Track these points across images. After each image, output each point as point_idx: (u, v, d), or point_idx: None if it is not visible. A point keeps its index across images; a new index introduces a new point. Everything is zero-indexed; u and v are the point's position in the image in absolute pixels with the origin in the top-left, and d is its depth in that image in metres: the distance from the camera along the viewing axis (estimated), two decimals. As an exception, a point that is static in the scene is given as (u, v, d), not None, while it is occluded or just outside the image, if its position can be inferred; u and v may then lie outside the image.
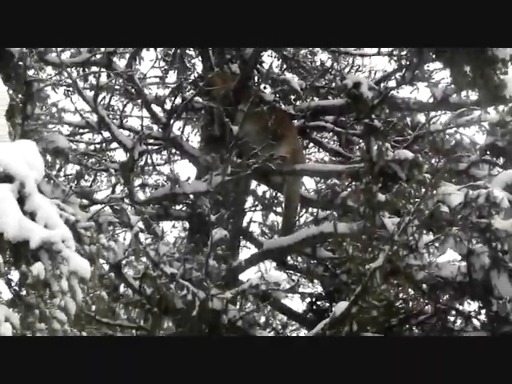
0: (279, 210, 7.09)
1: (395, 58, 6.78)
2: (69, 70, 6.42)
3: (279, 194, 7.03)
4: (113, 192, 6.45)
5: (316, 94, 7.47)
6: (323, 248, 6.73)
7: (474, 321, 5.73)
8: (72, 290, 3.13)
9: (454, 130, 6.65)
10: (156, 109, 6.82)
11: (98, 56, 6.72)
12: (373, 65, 7.82)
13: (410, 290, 6.04)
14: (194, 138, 8.33)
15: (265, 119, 6.38)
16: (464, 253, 5.32)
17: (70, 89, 7.04)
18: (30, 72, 6.14)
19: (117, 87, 7.40)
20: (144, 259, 5.80)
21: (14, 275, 3.33)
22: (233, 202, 6.57)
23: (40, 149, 4.00)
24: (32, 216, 3.22)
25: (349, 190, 6.39)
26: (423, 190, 5.25)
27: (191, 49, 7.45)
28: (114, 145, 7.57)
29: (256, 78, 7.34)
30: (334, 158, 7.73)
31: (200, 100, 7.06)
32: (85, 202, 6.36)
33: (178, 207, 6.99)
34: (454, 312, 5.86)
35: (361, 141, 7.50)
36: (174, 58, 7.52)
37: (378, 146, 5.73)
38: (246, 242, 7.09)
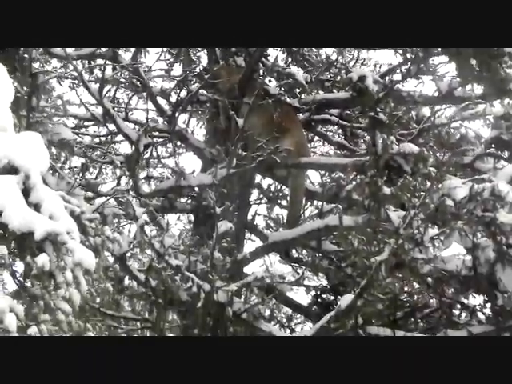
0: (284, 203, 7.08)
1: (400, 52, 6.75)
2: (74, 62, 6.41)
3: (284, 187, 7.02)
4: (118, 184, 6.47)
5: (321, 87, 7.44)
6: (328, 241, 6.72)
7: (479, 314, 5.73)
8: (77, 281, 3.14)
9: (459, 123, 6.65)
10: (161, 101, 6.84)
11: (104, 49, 6.73)
12: (378, 58, 7.81)
13: (415, 283, 6.03)
14: (199, 131, 8.35)
15: (270, 112, 6.38)
16: (469, 246, 5.31)
17: (76, 81, 7.05)
18: (36, 65, 6.15)
19: (122, 80, 7.39)
20: (149, 251, 5.81)
21: (19, 266, 3.34)
22: (238, 194, 6.57)
23: (45, 141, 4.01)
24: (37, 207, 3.22)
25: (354, 183, 6.37)
26: (428, 183, 5.23)
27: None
28: (119, 137, 7.56)
29: (261, 71, 7.33)
30: (338, 152, 7.72)
31: (205, 93, 7.05)
32: (90, 194, 6.37)
33: (183, 200, 6.99)
34: (459, 305, 5.86)
35: (366, 134, 7.49)
36: (180, 50, 7.51)
37: (383, 139, 5.72)
38: (250, 235, 7.09)
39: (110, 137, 7.71)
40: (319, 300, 7.05)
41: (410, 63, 6.64)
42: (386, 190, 5.39)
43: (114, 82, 7.06)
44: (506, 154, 6.17)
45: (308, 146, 7.32)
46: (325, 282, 7.24)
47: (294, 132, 6.67)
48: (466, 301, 5.78)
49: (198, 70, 7.12)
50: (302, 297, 7.45)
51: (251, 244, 7.10)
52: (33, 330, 3.20)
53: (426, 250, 5.23)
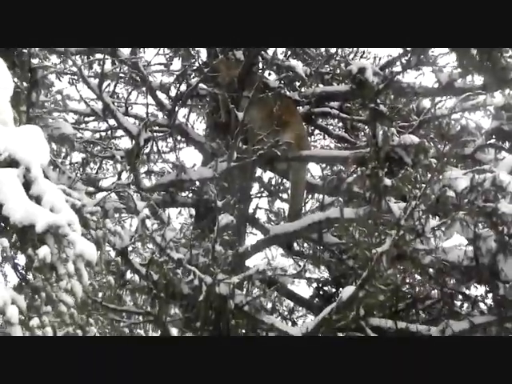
0: (285, 196, 7.08)
1: (401, 43, 6.75)
2: (73, 57, 6.41)
3: (285, 181, 7.02)
4: (119, 179, 6.46)
5: (321, 80, 7.43)
6: (329, 233, 6.72)
7: (481, 305, 5.72)
8: (78, 272, 3.14)
9: (459, 114, 6.63)
10: (161, 96, 6.83)
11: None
12: (377, 50, 7.79)
13: (416, 274, 6.04)
14: (199, 125, 8.36)
15: (270, 105, 6.37)
16: (470, 237, 5.30)
17: (75, 76, 7.04)
18: (35, 60, 6.14)
19: (121, 75, 7.40)
20: (150, 245, 5.81)
21: (21, 259, 3.34)
22: (239, 188, 6.56)
23: (45, 136, 4.00)
24: (38, 200, 3.23)
25: (354, 175, 6.37)
26: (429, 174, 5.23)
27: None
28: (120, 132, 7.59)
29: (261, 65, 7.33)
30: (339, 144, 7.72)
31: (205, 87, 7.05)
32: (91, 189, 6.37)
33: (183, 194, 6.98)
34: (460, 296, 5.86)
35: (366, 126, 7.49)
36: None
37: (384, 131, 5.71)
38: (252, 229, 7.09)
39: (110, 132, 7.72)
40: (321, 292, 7.06)
41: (409, 54, 6.63)
42: (387, 182, 5.39)
43: (113, 76, 7.06)
44: (506, 144, 6.15)
45: (308, 139, 7.32)
46: (326, 275, 7.26)
47: (294, 125, 6.67)
48: (467, 291, 5.78)
49: (197, 64, 7.12)
50: (303, 289, 7.48)
51: (252, 237, 7.11)
52: (35, 322, 3.21)
53: (427, 241, 5.23)
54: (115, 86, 7.27)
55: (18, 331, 3.02)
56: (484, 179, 5.04)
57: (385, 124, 5.99)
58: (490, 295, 5.61)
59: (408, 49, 6.64)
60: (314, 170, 7.58)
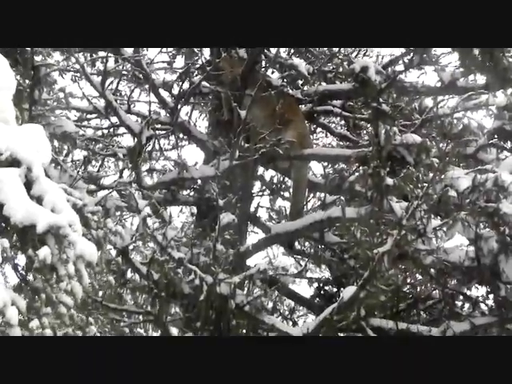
0: (287, 194, 7.08)
1: (403, 42, 6.73)
2: (76, 55, 6.40)
3: (287, 179, 7.01)
4: (120, 177, 6.46)
5: (323, 78, 7.43)
6: (331, 233, 6.72)
7: (482, 306, 5.72)
8: (79, 274, 3.14)
9: (461, 113, 6.63)
10: (164, 94, 6.82)
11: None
12: (380, 49, 7.78)
13: (417, 274, 6.04)
14: (201, 123, 8.33)
15: (272, 104, 6.36)
16: (472, 237, 5.29)
17: (78, 74, 7.02)
18: (38, 58, 6.14)
19: (124, 72, 7.39)
20: (151, 244, 5.80)
21: (21, 260, 3.34)
22: (240, 186, 6.56)
23: (47, 134, 4.00)
24: (39, 200, 3.22)
25: (356, 174, 6.36)
26: (431, 174, 5.22)
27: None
28: (122, 130, 7.57)
29: (263, 63, 7.32)
30: (341, 143, 7.71)
31: (207, 85, 7.05)
32: (92, 187, 6.37)
33: (185, 192, 6.98)
34: (461, 297, 5.86)
35: (368, 125, 7.48)
36: (182, 43, 7.49)
37: (386, 130, 5.70)
38: (253, 227, 7.08)
39: (112, 129, 7.71)
40: (322, 292, 7.05)
41: (412, 54, 6.62)
42: (389, 181, 5.39)
43: (116, 74, 7.05)
44: (508, 144, 6.16)
45: (310, 137, 7.31)
46: (327, 274, 7.25)
47: (297, 123, 6.66)
48: (468, 292, 5.77)
49: (200, 62, 7.11)
50: (304, 289, 7.48)
51: (254, 236, 7.11)
52: (35, 324, 3.21)
53: (428, 241, 5.23)
54: (118, 83, 7.27)
55: (17, 332, 3.02)
56: (486, 179, 5.03)
57: (387, 123, 5.99)
58: (491, 296, 5.61)
59: (411, 48, 6.63)
60: (316, 169, 7.57)
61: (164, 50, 7.34)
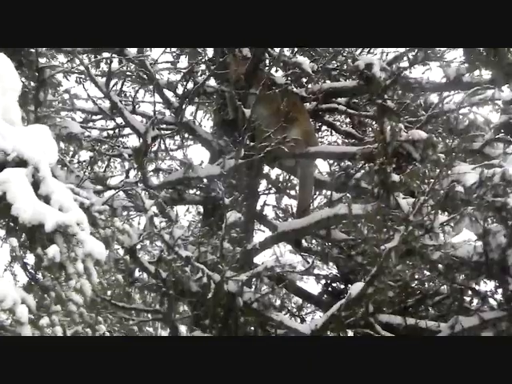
0: (293, 193, 7.07)
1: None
2: (80, 56, 6.41)
3: (292, 177, 7.01)
4: (126, 177, 6.47)
5: (328, 76, 7.42)
6: (338, 230, 6.72)
7: (491, 300, 5.70)
8: (87, 272, 3.15)
9: (467, 109, 6.62)
10: (168, 94, 6.82)
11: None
12: (384, 46, 7.76)
13: (425, 270, 6.03)
14: (206, 123, 8.34)
15: (277, 102, 6.35)
16: (480, 232, 5.28)
17: (82, 75, 7.05)
18: (42, 60, 6.15)
19: (129, 73, 7.39)
20: (159, 243, 5.81)
21: (30, 259, 3.35)
22: (246, 185, 6.55)
23: (53, 135, 4.01)
24: (46, 200, 3.23)
25: (362, 171, 6.36)
26: (438, 170, 5.21)
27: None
28: (127, 130, 7.58)
29: (267, 61, 7.32)
30: (347, 140, 7.71)
31: (212, 84, 7.05)
32: (99, 187, 6.38)
33: (191, 191, 6.99)
34: (470, 292, 5.84)
35: (374, 122, 7.47)
36: (185, 44, 7.50)
37: (392, 126, 5.68)
38: (260, 225, 7.09)
39: (117, 130, 7.72)
40: (329, 289, 7.05)
41: (416, 50, 6.61)
42: (395, 178, 5.37)
43: (120, 75, 7.06)
44: (515, 138, 6.15)
45: (316, 135, 7.30)
46: (335, 271, 7.24)
47: (302, 121, 6.65)
48: (477, 287, 5.74)
49: (203, 61, 7.12)
50: (312, 286, 7.48)
51: (261, 234, 7.11)
52: (44, 322, 3.22)
53: (436, 237, 5.22)
54: (122, 84, 7.27)
55: (27, 330, 3.03)
56: (493, 174, 5.02)
57: (392, 119, 5.97)
58: (499, 290, 5.59)
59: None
60: (322, 167, 7.56)
61: (168, 50, 7.36)
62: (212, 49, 7.28)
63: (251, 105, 6.13)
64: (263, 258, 6.86)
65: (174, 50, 7.52)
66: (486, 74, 6.52)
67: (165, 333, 6.72)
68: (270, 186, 7.08)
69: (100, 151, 7.25)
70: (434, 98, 7.00)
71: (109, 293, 5.70)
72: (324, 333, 5.40)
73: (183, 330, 5.95)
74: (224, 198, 5.61)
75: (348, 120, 7.81)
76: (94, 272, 3.16)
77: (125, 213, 5.96)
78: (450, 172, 5.14)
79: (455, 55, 6.82)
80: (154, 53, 7.21)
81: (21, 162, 3.23)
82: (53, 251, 3.09)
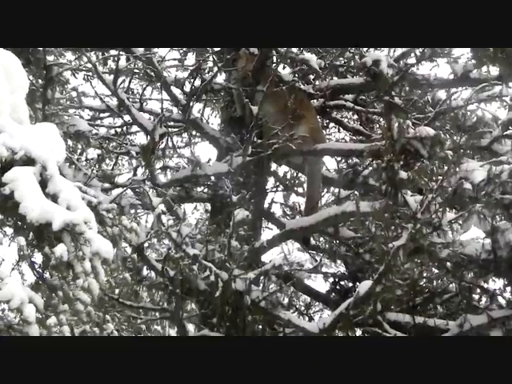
0: (300, 190, 7.06)
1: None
2: (88, 54, 6.42)
3: (300, 175, 6.99)
4: (134, 175, 6.47)
5: (335, 72, 7.40)
6: (345, 227, 6.70)
7: (500, 298, 5.69)
8: (95, 270, 3.14)
9: (475, 105, 6.59)
10: (176, 91, 6.81)
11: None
12: (392, 42, 7.74)
13: (433, 268, 6.01)
14: (214, 120, 8.34)
15: (284, 99, 6.34)
16: (488, 230, 5.26)
17: (90, 73, 7.05)
18: (50, 57, 6.16)
19: (136, 70, 7.39)
20: (166, 241, 5.80)
21: (38, 257, 3.35)
22: (254, 182, 6.55)
23: (61, 133, 4.01)
24: (54, 198, 3.22)
25: (370, 168, 6.34)
26: (445, 167, 5.19)
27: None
28: (135, 128, 7.59)
29: (275, 58, 7.30)
30: (354, 137, 7.69)
31: (219, 81, 7.04)
32: (106, 185, 6.38)
33: (199, 189, 6.99)
34: (478, 290, 5.82)
35: (381, 119, 7.45)
36: (193, 43, 7.50)
37: (399, 123, 5.66)
38: (267, 223, 7.07)
39: (125, 128, 7.73)
40: (337, 287, 7.04)
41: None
42: (403, 175, 5.35)
43: (127, 72, 7.06)
44: (523, 135, 6.11)
45: (323, 132, 7.29)
46: (343, 269, 7.23)
47: (309, 118, 6.63)
48: (485, 285, 5.73)
49: (211, 58, 7.11)
50: (320, 284, 7.45)
51: (268, 232, 7.10)
52: (52, 321, 3.22)
53: (444, 235, 5.20)
54: (130, 81, 7.27)
55: (35, 330, 3.03)
56: (501, 171, 5.00)
57: (400, 116, 5.96)
58: (508, 289, 5.59)
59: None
60: (330, 164, 7.54)
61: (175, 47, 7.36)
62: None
63: (258, 102, 6.13)
64: (271, 256, 6.84)
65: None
66: (494, 71, 6.48)
67: (172, 331, 6.73)
68: (277, 183, 7.07)
69: (108, 149, 7.26)
70: (441, 94, 6.96)
71: (116, 291, 5.70)
72: (332, 331, 5.39)
73: (191, 328, 5.96)
74: (232, 196, 5.61)
75: (355, 117, 7.80)
76: (101, 271, 3.15)
77: (132, 211, 5.96)
78: (457, 169, 5.12)
79: (463, 52, 6.79)
80: (162, 50, 7.22)
81: (29, 161, 3.23)
82: (60, 250, 3.09)
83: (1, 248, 3.31)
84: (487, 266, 5.43)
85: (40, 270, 3.36)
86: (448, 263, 5.58)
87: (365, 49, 7.57)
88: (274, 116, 6.45)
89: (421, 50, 6.64)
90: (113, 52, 6.96)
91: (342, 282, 7.06)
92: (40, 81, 5.96)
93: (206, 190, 7.01)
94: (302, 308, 7.35)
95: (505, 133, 6.14)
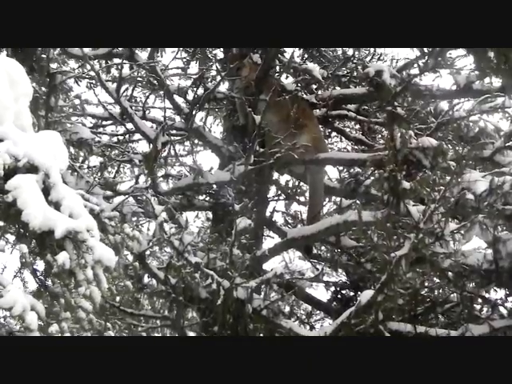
0: (302, 199, 7.06)
1: (418, 46, 6.71)
2: (91, 62, 6.44)
3: (302, 184, 7.00)
4: (136, 183, 6.48)
5: (338, 82, 7.42)
6: (347, 237, 6.70)
7: (501, 308, 5.68)
8: (97, 278, 3.15)
9: (477, 116, 6.59)
10: (178, 99, 6.84)
11: (121, 48, 6.75)
12: (395, 53, 7.77)
13: (435, 278, 6.01)
14: (216, 128, 8.36)
15: (287, 109, 6.35)
16: (490, 240, 5.26)
17: (93, 81, 7.08)
18: (53, 65, 6.18)
19: (139, 79, 7.42)
20: (168, 249, 5.81)
21: (40, 265, 3.35)
22: (256, 191, 6.55)
23: (63, 140, 4.02)
24: (57, 206, 3.22)
25: (372, 178, 6.35)
26: (448, 177, 5.20)
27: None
28: (137, 136, 7.61)
29: (278, 68, 7.32)
30: (356, 147, 7.70)
31: (222, 90, 7.06)
32: (108, 193, 6.39)
33: (201, 197, 7.00)
34: (480, 300, 5.82)
35: (383, 129, 7.46)
36: (196, 49, 7.52)
37: (402, 133, 5.67)
38: (269, 232, 7.08)
39: (127, 135, 7.76)
40: (339, 296, 7.04)
41: (427, 57, 6.59)
42: (406, 185, 5.35)
43: (131, 81, 7.09)
44: (525, 147, 6.12)
45: (325, 141, 7.30)
46: (344, 278, 7.23)
47: (311, 128, 6.65)
48: (487, 295, 5.73)
49: (214, 67, 7.14)
50: (321, 293, 7.47)
51: (270, 240, 7.11)
52: (54, 329, 3.21)
53: (446, 245, 5.20)
54: (133, 89, 7.30)
55: (37, 337, 3.03)
56: (503, 182, 5.00)
57: (402, 126, 5.95)
58: (510, 299, 5.58)
59: (425, 51, 6.60)
60: (332, 173, 7.55)
61: (178, 56, 7.38)
62: (223, 55, 7.31)
63: (261, 111, 6.14)
64: (272, 265, 6.87)
65: (184, 55, 7.55)
66: (497, 82, 6.49)
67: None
68: (279, 192, 7.08)
69: (110, 157, 7.28)
70: (444, 105, 6.97)
71: (118, 299, 5.70)
72: (333, 340, 5.38)
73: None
74: (233, 204, 5.62)
75: (358, 126, 7.81)
76: (103, 279, 3.16)
77: (134, 219, 5.97)
78: (460, 179, 5.12)
79: (465, 62, 6.83)
80: (165, 58, 7.25)
81: (32, 168, 3.23)
82: (62, 258, 3.09)
83: (3, 255, 3.31)
84: (489, 276, 5.42)
85: (42, 278, 3.36)
86: (450, 273, 5.58)
87: (367, 59, 7.60)
88: (276, 125, 6.46)
89: (423, 60, 6.64)
90: (116, 60, 6.99)
91: (344, 291, 7.07)
92: (43, 88, 5.97)
93: (207, 199, 7.02)
94: (304, 317, 7.36)
95: (507, 144, 6.14)
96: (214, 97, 6.98)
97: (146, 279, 5.91)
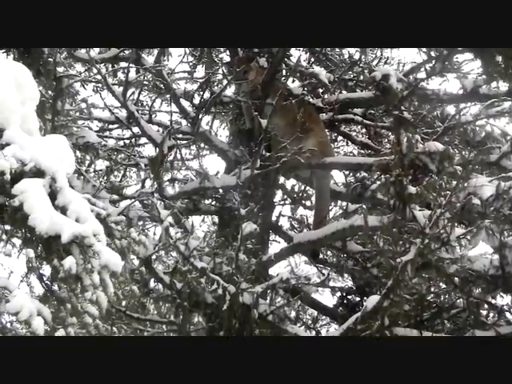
0: (308, 203, 7.05)
1: (424, 50, 6.70)
2: (98, 66, 6.45)
3: (308, 188, 6.99)
4: (142, 187, 6.48)
5: (344, 86, 7.41)
6: (353, 241, 6.69)
7: (508, 314, 5.66)
8: (103, 283, 3.14)
9: (484, 121, 6.58)
10: (185, 103, 6.83)
11: (127, 52, 6.76)
12: (401, 57, 7.77)
13: (441, 283, 5.99)
14: (222, 132, 8.36)
15: (293, 113, 6.35)
16: (496, 245, 5.24)
17: (100, 85, 7.08)
18: (60, 69, 6.19)
19: (146, 82, 7.43)
20: (174, 254, 5.80)
21: (46, 270, 3.35)
22: (262, 195, 6.54)
23: (70, 144, 4.02)
24: (63, 210, 3.22)
25: (378, 182, 6.34)
26: (454, 182, 5.18)
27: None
28: (144, 140, 7.62)
29: (284, 72, 7.32)
30: (362, 151, 7.69)
31: (228, 94, 7.06)
32: (115, 197, 6.39)
33: (207, 201, 6.99)
34: (486, 305, 5.79)
35: (390, 133, 7.45)
36: (202, 52, 7.53)
37: (408, 138, 5.66)
38: (275, 236, 7.07)
39: (134, 139, 7.76)
40: (345, 301, 7.02)
41: (434, 61, 6.59)
42: (412, 190, 5.34)
43: (137, 84, 7.09)
44: (532, 151, 6.10)
45: (332, 145, 7.29)
46: (350, 283, 7.22)
47: (318, 132, 6.64)
48: (493, 301, 5.70)
49: (220, 71, 7.14)
50: (327, 298, 7.45)
51: (276, 245, 7.09)
52: (60, 333, 3.21)
53: (452, 250, 5.18)
54: (139, 93, 7.32)
55: (43, 342, 3.03)
56: (510, 186, 4.99)
57: (409, 131, 5.94)
58: (516, 304, 5.56)
59: (432, 55, 6.60)
60: (338, 177, 7.53)
61: (184, 59, 7.40)
62: (229, 59, 7.31)
63: (267, 115, 6.14)
64: (278, 270, 6.83)
65: (190, 59, 7.56)
66: (504, 86, 6.49)
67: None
68: (285, 196, 7.07)
69: (116, 161, 7.28)
70: (450, 109, 6.97)
71: (124, 304, 5.69)
72: (339, 346, 5.36)
73: (198, 341, 5.91)
74: (239, 209, 5.60)
75: (364, 131, 7.80)
76: (110, 284, 3.15)
77: (140, 223, 5.96)
78: (466, 184, 5.11)
79: (472, 66, 6.80)
80: (171, 62, 7.26)
81: (38, 173, 3.23)
82: (69, 262, 3.08)
83: (10, 260, 3.32)
84: (495, 281, 5.40)
85: (48, 283, 3.36)
86: (456, 278, 5.55)
87: (374, 63, 7.59)
88: (282, 129, 6.46)
89: (430, 64, 6.63)
90: (123, 64, 7.00)
91: (350, 297, 7.05)
92: (50, 92, 5.98)
93: (213, 203, 7.01)
94: (309, 322, 7.34)
95: (513, 148, 6.13)
96: (220, 101, 6.98)
97: (152, 284, 5.90)
